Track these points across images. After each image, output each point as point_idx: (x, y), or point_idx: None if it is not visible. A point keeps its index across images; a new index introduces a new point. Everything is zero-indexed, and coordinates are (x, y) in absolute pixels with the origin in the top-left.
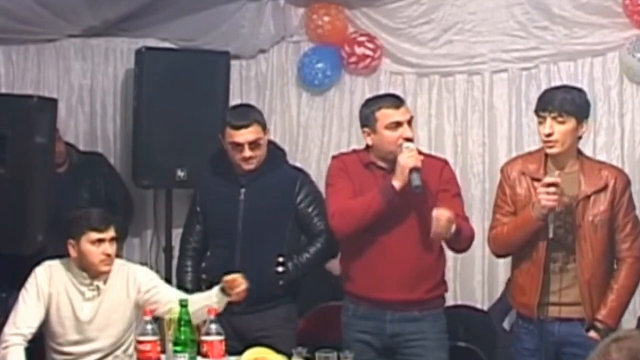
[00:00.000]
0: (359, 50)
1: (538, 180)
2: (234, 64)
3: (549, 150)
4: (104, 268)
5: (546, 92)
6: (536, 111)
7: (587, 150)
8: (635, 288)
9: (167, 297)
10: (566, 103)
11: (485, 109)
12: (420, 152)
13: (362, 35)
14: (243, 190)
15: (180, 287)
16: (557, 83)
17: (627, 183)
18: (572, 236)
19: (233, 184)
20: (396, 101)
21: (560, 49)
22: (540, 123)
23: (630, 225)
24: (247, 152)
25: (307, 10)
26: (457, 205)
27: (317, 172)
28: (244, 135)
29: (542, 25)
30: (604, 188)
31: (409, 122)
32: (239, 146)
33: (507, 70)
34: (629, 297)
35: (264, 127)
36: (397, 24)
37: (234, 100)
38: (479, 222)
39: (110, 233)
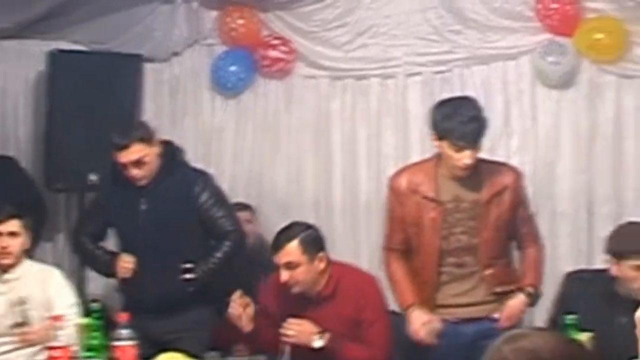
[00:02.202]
0: (272, 53)
1: (430, 199)
2: (147, 67)
3: (460, 173)
4: (1, 261)
5: (460, 122)
6: (449, 139)
7: (501, 154)
8: (543, 269)
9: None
10: (480, 134)
11: (399, 113)
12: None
13: (275, 38)
14: (143, 199)
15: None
16: (471, 87)
17: (523, 180)
18: (476, 240)
19: (133, 195)
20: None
21: (474, 53)
22: (457, 151)
23: (524, 216)
24: (132, 171)
25: (220, 13)
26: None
27: (231, 176)
28: (126, 156)
29: (455, 29)
30: (503, 189)
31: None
32: (124, 165)
33: (421, 73)
34: (541, 277)
35: (149, 141)
36: (311, 27)
37: (147, 104)
38: None
39: (9, 227)
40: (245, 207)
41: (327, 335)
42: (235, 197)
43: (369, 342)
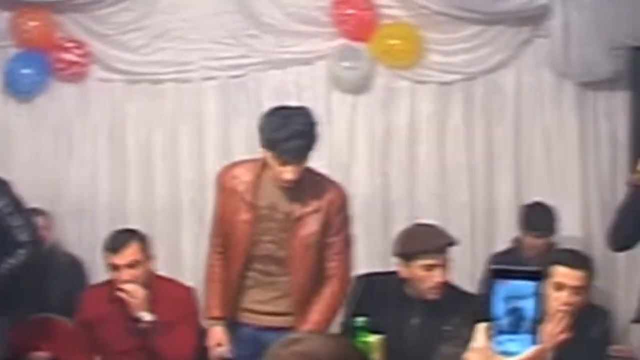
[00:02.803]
0: (67, 56)
1: (246, 202)
2: None
3: (283, 185)
4: None
5: (287, 137)
6: (273, 151)
7: None
8: (340, 306)
9: None
10: (307, 150)
11: (195, 117)
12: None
13: (69, 41)
14: None
15: None
16: (266, 92)
17: (344, 201)
18: (283, 252)
19: None
20: None
21: (269, 58)
22: (280, 165)
23: (340, 244)
24: None
25: (13, 14)
26: None
27: (26, 181)
28: None
29: (251, 34)
30: (318, 209)
31: None
32: None
33: (216, 78)
34: (333, 315)
35: None
36: (106, 31)
37: None
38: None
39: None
40: (40, 212)
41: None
42: (30, 203)
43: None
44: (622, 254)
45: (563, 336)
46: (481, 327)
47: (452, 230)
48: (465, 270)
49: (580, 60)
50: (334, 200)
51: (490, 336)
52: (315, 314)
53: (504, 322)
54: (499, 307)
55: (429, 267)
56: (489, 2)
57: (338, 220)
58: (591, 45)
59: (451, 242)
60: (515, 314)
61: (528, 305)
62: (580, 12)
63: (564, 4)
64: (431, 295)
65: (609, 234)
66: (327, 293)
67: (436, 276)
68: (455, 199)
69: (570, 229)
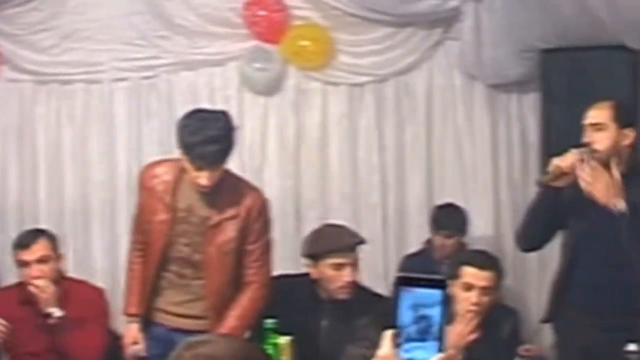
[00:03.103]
0: None
1: (164, 203)
2: None
3: (199, 189)
4: None
5: (202, 142)
6: (188, 156)
7: None
8: (257, 312)
9: None
10: (223, 156)
11: (105, 118)
12: None
13: None
14: None
15: None
16: (178, 93)
17: (263, 207)
18: (199, 256)
19: None
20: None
21: (181, 59)
22: (195, 169)
23: (259, 251)
24: None
25: None
26: None
27: None
28: None
29: (162, 35)
30: (236, 215)
31: None
32: None
33: (127, 79)
34: (250, 321)
35: None
36: (15, 30)
37: None
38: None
39: None
40: None
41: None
42: None
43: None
44: (533, 254)
45: (472, 336)
46: (387, 335)
47: (364, 232)
48: (377, 271)
49: (491, 62)
50: (252, 206)
51: (396, 344)
52: (232, 320)
53: (411, 330)
54: (406, 315)
55: (338, 266)
56: (400, 4)
57: (257, 227)
58: (502, 47)
59: (360, 241)
60: (422, 322)
61: (434, 313)
62: (491, 15)
63: (475, 7)
64: (341, 295)
65: (518, 234)
66: (245, 299)
67: (345, 275)
68: (367, 200)
69: (481, 229)
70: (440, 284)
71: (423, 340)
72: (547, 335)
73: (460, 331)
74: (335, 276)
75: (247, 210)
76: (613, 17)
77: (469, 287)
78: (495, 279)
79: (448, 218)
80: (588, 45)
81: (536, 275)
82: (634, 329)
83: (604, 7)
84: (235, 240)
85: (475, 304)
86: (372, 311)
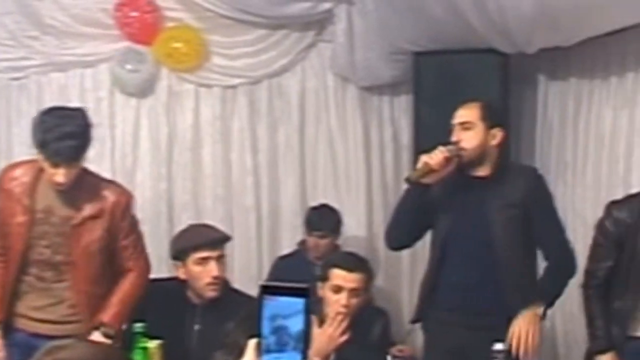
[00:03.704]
0: None
1: (22, 204)
2: None
3: (56, 187)
4: None
5: (57, 138)
6: (44, 153)
7: None
8: (137, 299)
9: None
10: (79, 152)
11: None
12: None
13: None
14: None
15: None
16: (48, 94)
17: (128, 204)
18: (60, 257)
19: None
20: None
21: (51, 60)
22: (51, 166)
23: (132, 244)
24: None
25: None
26: None
27: None
28: None
29: (32, 35)
30: (100, 214)
31: None
32: None
33: None
34: (130, 307)
35: None
36: None
37: None
38: None
39: None
40: None
41: None
42: None
43: None
44: (405, 255)
45: (342, 338)
46: (251, 344)
47: (238, 233)
48: (250, 273)
49: (363, 64)
50: (116, 204)
51: (259, 354)
52: (113, 307)
53: (270, 340)
54: (266, 325)
55: (203, 261)
56: (273, 6)
57: (125, 224)
58: (374, 50)
59: (225, 237)
60: (281, 331)
61: (295, 323)
62: (363, 18)
63: (348, 10)
64: (210, 293)
65: (387, 232)
66: (127, 284)
67: (212, 270)
68: (240, 202)
69: (354, 230)
70: (302, 293)
71: (281, 351)
72: (420, 336)
73: (330, 334)
74: (201, 272)
75: (112, 209)
76: (483, 21)
77: (338, 289)
78: (365, 280)
79: (321, 219)
80: (459, 48)
81: (408, 276)
82: (502, 328)
83: (474, 11)
84: (102, 240)
85: (345, 306)
86: (241, 314)
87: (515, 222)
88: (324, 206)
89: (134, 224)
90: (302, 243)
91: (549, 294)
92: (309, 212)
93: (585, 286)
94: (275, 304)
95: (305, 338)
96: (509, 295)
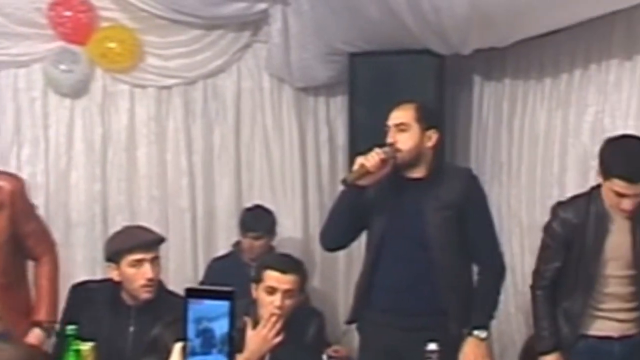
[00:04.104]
0: None
1: None
2: None
3: None
4: None
5: None
6: None
7: (12, 165)
8: (57, 286)
9: None
10: None
11: None
12: None
13: None
14: None
15: None
16: None
17: (23, 189)
18: None
19: None
20: None
21: None
22: None
23: (37, 230)
24: None
25: None
26: None
27: None
28: None
29: None
30: (1, 205)
31: None
32: None
33: None
34: (56, 296)
35: None
36: None
37: None
38: None
39: None
40: None
41: None
42: None
43: None
44: (341, 256)
45: (276, 339)
46: (177, 347)
47: (173, 235)
48: (185, 275)
49: (299, 65)
50: (13, 191)
51: (185, 356)
52: (44, 308)
53: (196, 343)
54: (192, 327)
55: (138, 263)
56: (208, 6)
57: (24, 208)
58: (310, 50)
59: (159, 239)
60: (207, 334)
61: (220, 326)
62: (299, 18)
63: (283, 10)
64: (144, 295)
65: (322, 233)
66: (44, 281)
67: (146, 272)
68: (176, 203)
69: (290, 231)
70: (227, 296)
71: (207, 353)
72: (355, 336)
73: (264, 335)
74: (135, 274)
75: (11, 196)
76: (418, 22)
77: (272, 291)
78: (299, 282)
79: (256, 220)
80: (395, 49)
81: (344, 277)
82: (436, 329)
83: (409, 12)
84: (8, 229)
85: (279, 307)
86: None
87: (450, 223)
88: (259, 207)
89: (32, 207)
90: (237, 244)
91: (489, 311)
92: (243, 213)
93: (533, 287)
94: (200, 307)
95: (230, 341)
96: (443, 296)
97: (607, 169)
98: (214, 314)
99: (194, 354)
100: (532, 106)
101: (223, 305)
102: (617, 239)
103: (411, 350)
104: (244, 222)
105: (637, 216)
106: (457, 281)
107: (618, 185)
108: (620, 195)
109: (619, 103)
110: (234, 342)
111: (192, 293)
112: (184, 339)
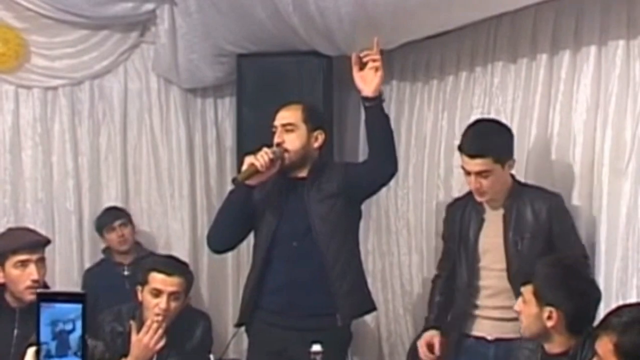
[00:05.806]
0: None
1: None
2: None
3: None
4: None
5: None
6: None
7: None
8: None
9: None
10: None
11: None
12: None
13: None
14: None
15: None
16: None
17: None
18: None
19: None
20: None
21: None
22: None
23: None
24: None
25: None
26: None
27: None
28: None
29: None
30: None
31: None
32: None
33: None
34: None
35: None
36: None
37: None
38: None
39: None
40: None
41: None
42: None
43: None
44: (230, 258)
45: (158, 346)
46: (30, 352)
47: (59, 237)
48: (71, 277)
49: (186, 66)
50: None
51: None
52: None
53: (51, 346)
54: (46, 331)
55: (23, 264)
56: (95, 6)
57: None
58: (197, 51)
59: (45, 240)
60: (62, 337)
61: (75, 329)
62: (187, 19)
63: (171, 11)
64: (29, 297)
65: (209, 234)
66: None
67: (31, 273)
68: (62, 206)
69: (179, 233)
70: (79, 299)
71: (63, 356)
72: (245, 339)
73: (145, 343)
74: (20, 275)
75: None
76: (304, 24)
77: (157, 293)
78: (184, 284)
79: (114, 211)
80: (282, 51)
81: (233, 279)
82: (326, 329)
83: (295, 14)
84: None
85: (165, 310)
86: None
87: (334, 212)
88: (113, 208)
89: None
90: (106, 249)
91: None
92: (99, 217)
93: (432, 281)
94: (52, 311)
95: (83, 344)
96: (334, 285)
97: (458, 147)
98: (68, 317)
99: (50, 356)
100: (419, 108)
101: (76, 308)
102: (490, 230)
103: (301, 351)
104: (105, 220)
105: (508, 205)
106: (348, 267)
107: (463, 161)
108: (467, 173)
109: (504, 105)
110: (87, 345)
111: (43, 297)
112: (37, 343)
